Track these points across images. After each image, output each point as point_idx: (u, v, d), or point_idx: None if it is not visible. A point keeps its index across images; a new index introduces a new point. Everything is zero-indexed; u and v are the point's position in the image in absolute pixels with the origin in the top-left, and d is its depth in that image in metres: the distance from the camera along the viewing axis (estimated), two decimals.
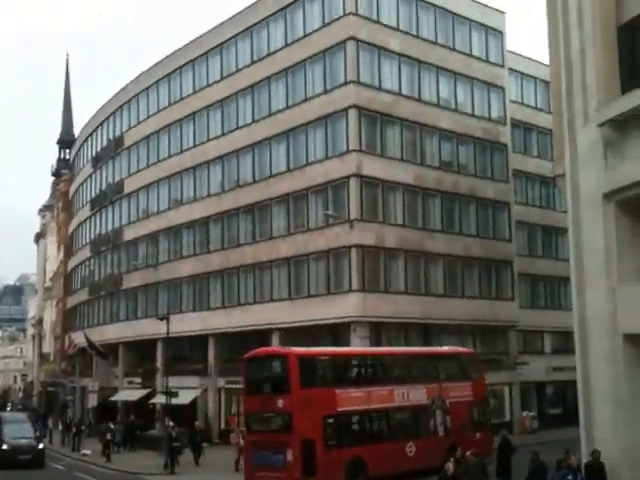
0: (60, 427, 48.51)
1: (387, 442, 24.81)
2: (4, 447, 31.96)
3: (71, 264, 68.80)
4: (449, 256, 38.45)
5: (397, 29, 37.70)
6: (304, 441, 22.50)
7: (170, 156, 48.24)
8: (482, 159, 41.32)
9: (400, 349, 32.03)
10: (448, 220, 38.98)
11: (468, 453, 19.57)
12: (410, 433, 26.06)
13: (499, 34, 42.49)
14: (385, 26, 37.21)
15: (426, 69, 38.73)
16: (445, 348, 31.64)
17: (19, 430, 33.79)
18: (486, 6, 42.15)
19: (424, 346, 34.56)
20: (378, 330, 35.68)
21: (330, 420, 23.64)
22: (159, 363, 45.96)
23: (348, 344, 34.05)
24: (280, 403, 23.20)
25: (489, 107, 41.78)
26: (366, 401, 24.86)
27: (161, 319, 37.80)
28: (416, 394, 26.35)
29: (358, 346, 33.46)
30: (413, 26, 38.54)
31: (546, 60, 27.20)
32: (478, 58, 41.35)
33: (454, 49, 40.21)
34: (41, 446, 33.34)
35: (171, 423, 33.26)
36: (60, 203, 78.09)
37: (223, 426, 41.57)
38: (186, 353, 45.72)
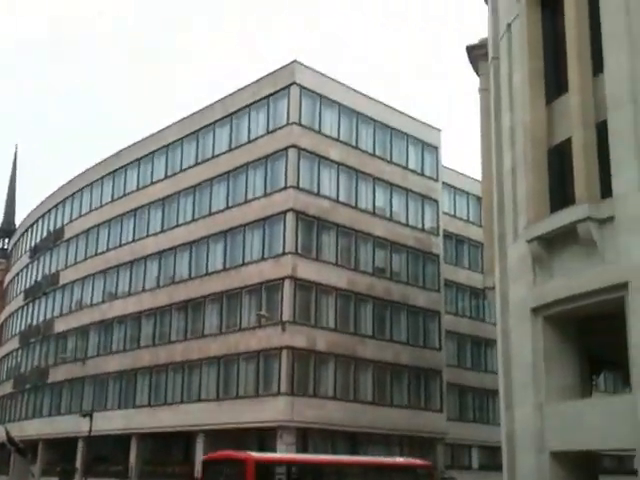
0: None
1: None
2: None
3: None
4: (379, 362, 37.39)
5: (337, 139, 37.95)
6: None
7: (108, 249, 46.95)
8: (414, 267, 41.01)
9: (356, 458, 30.15)
10: (379, 326, 38.15)
11: None
12: None
13: (434, 149, 43.17)
14: (326, 136, 37.47)
15: (363, 178, 38.80)
16: (401, 459, 29.44)
17: None
18: (423, 123, 42.99)
19: (351, 455, 32.65)
20: (305, 437, 34.06)
21: None
22: (78, 463, 42.77)
23: (274, 450, 32.20)
24: None
25: (423, 218, 41.92)
26: None
27: (84, 416, 35.47)
28: None
29: (284, 453, 31.63)
30: (353, 137, 38.85)
31: (479, 176, 27.39)
32: (413, 171, 41.74)
33: (391, 161, 40.53)
34: None
35: None
36: None
37: None
38: (107, 453, 42.85)
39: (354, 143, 38.79)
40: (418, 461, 30.49)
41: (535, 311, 17.84)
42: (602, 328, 17.92)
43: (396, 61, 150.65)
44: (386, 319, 38.69)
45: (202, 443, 35.59)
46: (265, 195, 36.67)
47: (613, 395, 32.51)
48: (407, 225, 40.85)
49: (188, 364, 38.12)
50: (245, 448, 34.16)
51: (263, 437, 34.36)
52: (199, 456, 35.50)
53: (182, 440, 37.65)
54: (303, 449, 33.42)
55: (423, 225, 41.98)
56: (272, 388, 33.56)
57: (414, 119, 42.44)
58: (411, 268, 40.73)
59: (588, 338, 18.07)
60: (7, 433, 48.25)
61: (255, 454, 24.55)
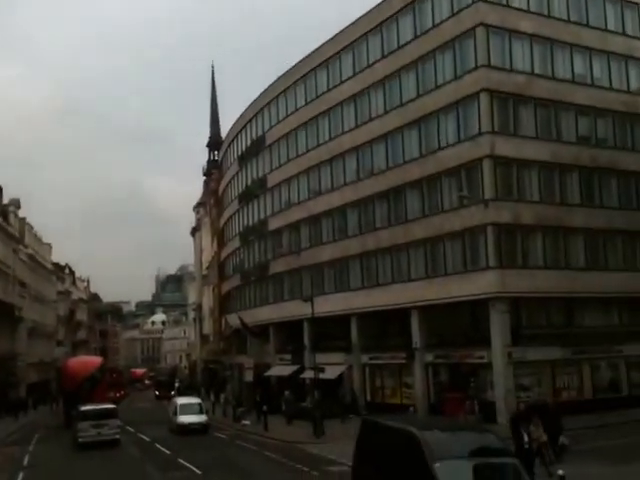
0: (222, 400, 49.24)
1: None
2: None
3: (224, 254, 70.08)
4: (590, 230, 35.32)
5: (527, 11, 35.02)
6: None
7: (308, 150, 47.62)
8: (622, 132, 37.45)
9: None
10: (587, 194, 35.70)
11: None
12: None
13: (635, 6, 38.51)
14: (515, 9, 34.62)
15: (559, 47, 35.66)
16: None
17: None
18: None
19: (567, 321, 31.60)
20: (517, 305, 33.36)
21: None
22: (306, 341, 45.39)
23: (487, 320, 32.00)
24: None
25: (628, 80, 37.94)
26: None
27: (305, 301, 36.96)
28: None
29: (497, 322, 31.37)
30: (544, 6, 35.63)
31: None
32: (614, 32, 37.73)
33: (588, 25, 36.89)
34: None
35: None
36: (211, 200, 79.79)
37: (369, 398, 40.73)
38: (330, 331, 44.75)
39: (546, 12, 35.56)
40: None
41: None
42: None
43: None
44: (594, 187, 36.16)
45: (417, 317, 36.22)
46: (455, 78, 34.95)
47: None
48: (611, 89, 37.25)
49: (395, 248, 38.41)
50: (457, 319, 34.77)
51: (474, 309, 34.22)
52: (415, 329, 36.42)
53: (397, 316, 38.37)
54: (517, 317, 32.91)
55: (628, 87, 38.07)
56: (480, 263, 32.97)
57: None
58: (618, 133, 37.37)
59: None
60: (241, 320, 52.56)
61: None
